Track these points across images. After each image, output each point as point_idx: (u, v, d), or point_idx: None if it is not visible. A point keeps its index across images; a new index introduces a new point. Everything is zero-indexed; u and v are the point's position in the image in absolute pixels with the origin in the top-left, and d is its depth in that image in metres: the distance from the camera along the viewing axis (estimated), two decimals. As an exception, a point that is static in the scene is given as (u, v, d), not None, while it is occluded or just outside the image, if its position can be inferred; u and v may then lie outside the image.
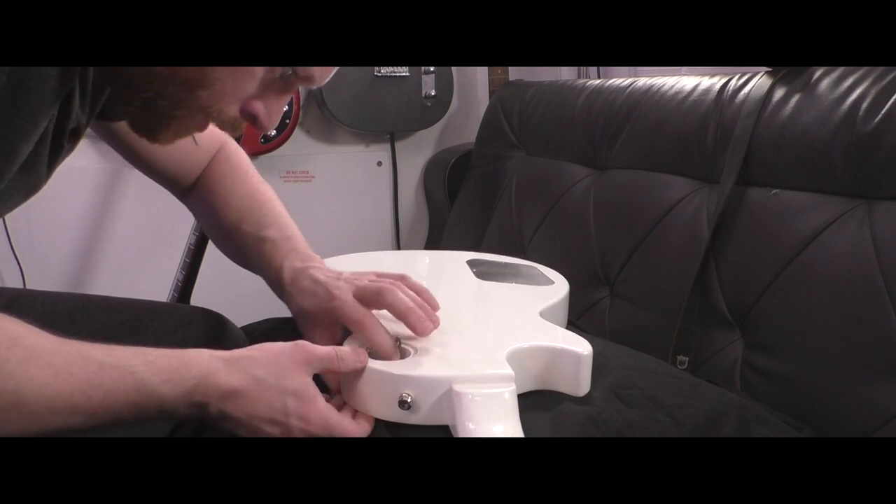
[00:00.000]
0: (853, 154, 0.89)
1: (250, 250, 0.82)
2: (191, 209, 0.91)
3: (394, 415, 0.62)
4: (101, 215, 1.76)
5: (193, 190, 0.88)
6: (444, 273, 0.68)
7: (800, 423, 0.82)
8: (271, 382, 0.58)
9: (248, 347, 0.61)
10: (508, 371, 0.63)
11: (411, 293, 0.70)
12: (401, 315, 0.68)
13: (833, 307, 0.87)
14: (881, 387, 0.81)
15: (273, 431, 0.59)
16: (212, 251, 1.52)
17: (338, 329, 0.72)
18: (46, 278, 1.69)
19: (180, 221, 1.64)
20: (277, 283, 0.78)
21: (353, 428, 0.61)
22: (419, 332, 0.67)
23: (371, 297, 0.70)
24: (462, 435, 0.58)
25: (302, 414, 0.59)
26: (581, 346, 0.69)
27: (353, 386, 0.64)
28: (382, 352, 0.67)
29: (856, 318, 0.84)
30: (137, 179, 1.78)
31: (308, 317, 0.73)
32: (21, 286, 1.63)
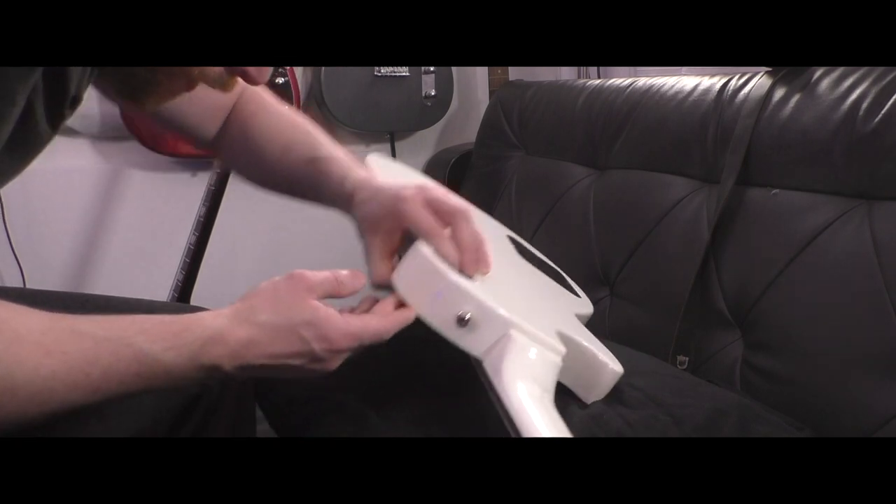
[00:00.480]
0: (853, 154, 0.89)
1: (303, 174, 0.79)
2: (221, 157, 0.90)
3: (443, 324, 0.61)
4: (101, 215, 1.76)
5: (222, 138, 0.86)
6: (488, 236, 0.67)
7: (800, 422, 0.82)
8: (279, 322, 0.57)
9: (242, 296, 0.59)
10: (561, 347, 0.63)
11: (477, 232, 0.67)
12: (465, 243, 0.65)
13: (833, 307, 0.87)
14: (881, 387, 0.81)
15: (300, 363, 0.57)
16: (212, 251, 1.52)
17: (398, 237, 0.69)
18: (46, 278, 1.69)
19: (180, 221, 1.64)
20: (340, 194, 0.74)
21: (383, 324, 0.60)
22: (470, 270, 0.64)
23: (444, 211, 0.66)
24: (493, 377, 0.58)
25: (321, 335, 0.57)
26: (618, 365, 0.70)
27: (419, 282, 0.62)
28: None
29: (856, 318, 0.84)
30: (137, 179, 1.79)
31: (372, 221, 0.69)
32: (21, 286, 1.63)
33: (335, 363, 0.59)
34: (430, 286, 0.62)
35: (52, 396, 0.50)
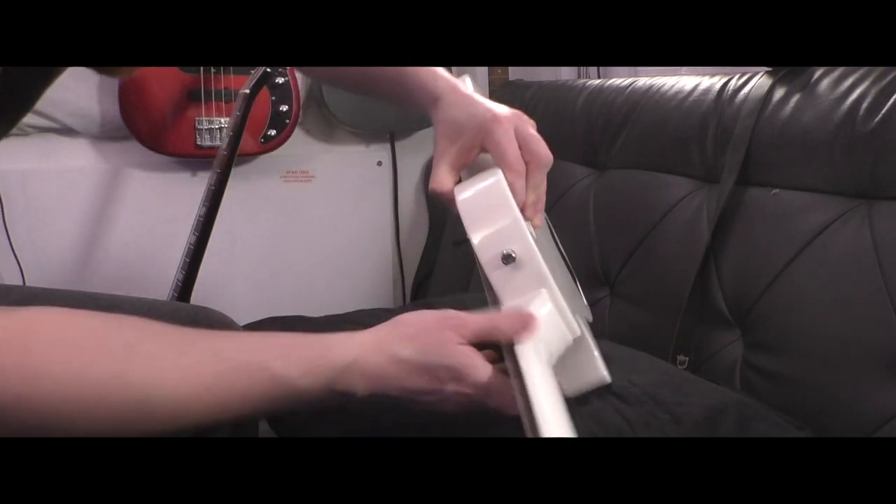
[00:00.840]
0: (853, 153, 0.89)
1: (386, 77, 0.74)
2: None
3: (487, 254, 0.60)
4: (100, 215, 1.76)
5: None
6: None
7: (800, 422, 0.82)
8: (419, 360, 0.54)
9: (390, 322, 0.57)
10: (577, 329, 0.63)
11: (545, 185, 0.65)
12: (536, 190, 0.64)
13: (833, 307, 0.87)
14: (881, 387, 0.81)
15: (432, 399, 0.55)
16: (211, 251, 1.52)
17: (475, 153, 0.67)
18: (46, 277, 1.69)
19: (180, 221, 1.64)
20: (428, 91, 0.70)
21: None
22: (530, 216, 0.64)
23: (529, 150, 0.64)
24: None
25: (458, 379, 0.54)
26: (608, 375, 0.69)
27: (483, 206, 0.61)
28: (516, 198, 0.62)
29: (856, 318, 0.84)
30: (137, 179, 1.79)
31: (454, 129, 0.66)
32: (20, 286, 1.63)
33: (463, 408, 0.57)
34: (492, 214, 0.61)
35: (188, 416, 0.50)
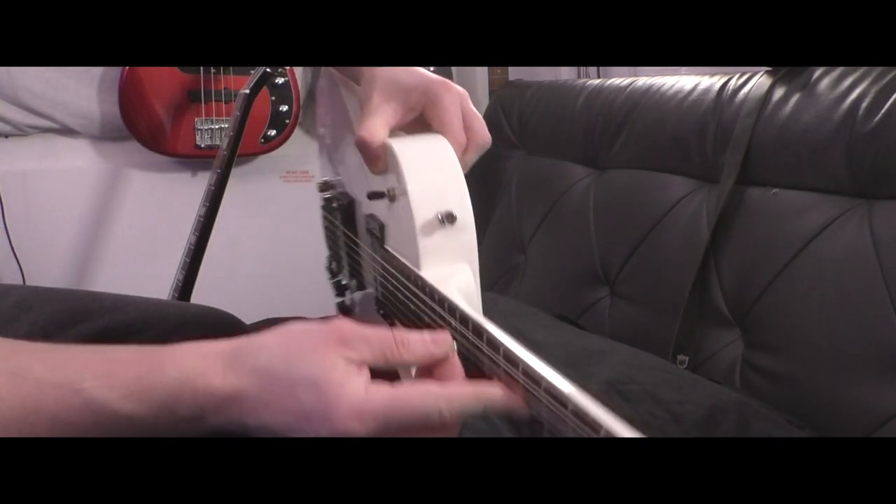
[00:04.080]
0: (853, 153, 0.89)
1: None
2: None
3: (427, 211, 0.55)
4: (100, 215, 1.76)
5: None
6: None
7: (800, 421, 0.82)
8: (278, 372, 0.43)
9: (265, 331, 0.46)
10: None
11: None
12: (467, 167, 0.60)
13: (833, 306, 0.87)
14: (881, 386, 0.81)
15: (310, 433, 0.44)
16: (211, 251, 1.52)
17: (412, 116, 0.62)
18: (46, 278, 1.69)
19: (180, 221, 1.64)
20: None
21: (438, 395, 0.44)
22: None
23: (469, 128, 0.60)
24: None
25: (322, 410, 0.42)
26: None
27: (429, 164, 0.58)
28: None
29: (856, 318, 0.84)
30: (137, 179, 1.79)
31: (396, 87, 0.61)
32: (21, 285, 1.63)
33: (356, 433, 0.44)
34: (437, 171, 0.57)
35: None
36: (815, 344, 0.88)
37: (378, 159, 0.59)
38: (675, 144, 1.14)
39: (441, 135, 0.60)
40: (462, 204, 0.56)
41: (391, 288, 0.60)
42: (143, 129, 1.63)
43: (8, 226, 1.62)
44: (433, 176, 0.57)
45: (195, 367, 0.44)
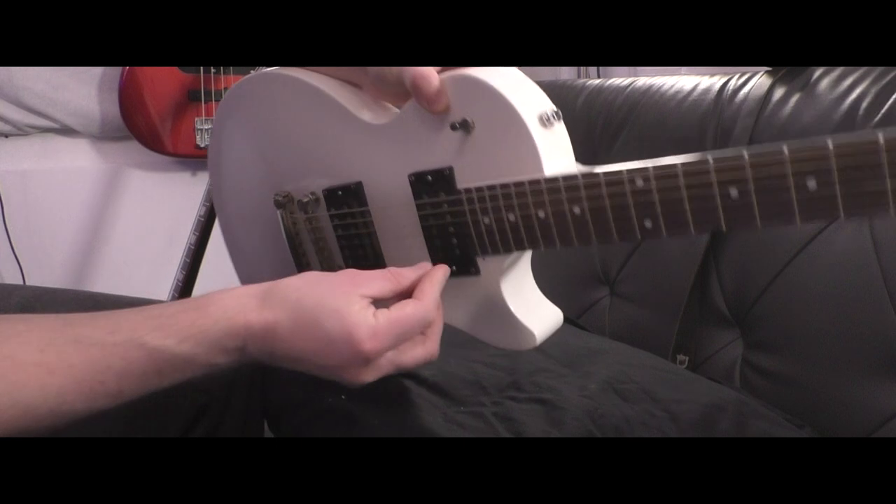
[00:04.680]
0: (853, 154, 0.89)
1: None
2: None
3: (530, 118, 0.58)
4: (101, 215, 1.76)
5: None
6: None
7: (800, 420, 0.82)
8: (306, 305, 0.52)
9: (290, 277, 0.55)
10: None
11: None
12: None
13: (833, 306, 0.87)
14: (881, 386, 0.81)
15: (326, 364, 0.52)
16: (211, 251, 1.52)
17: (386, 96, 0.65)
18: (46, 278, 1.69)
19: (180, 221, 1.64)
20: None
21: (419, 305, 0.54)
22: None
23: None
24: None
25: (345, 334, 0.51)
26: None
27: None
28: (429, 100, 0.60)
29: (856, 318, 0.84)
30: (137, 179, 1.79)
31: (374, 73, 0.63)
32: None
33: (368, 373, 0.53)
34: (516, 80, 0.61)
35: (72, 408, 0.49)
36: (815, 344, 0.88)
37: (440, 94, 0.59)
38: (674, 144, 1.14)
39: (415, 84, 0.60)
40: (549, 102, 0.60)
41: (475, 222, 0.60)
42: (143, 129, 1.63)
43: (8, 225, 1.62)
44: (517, 84, 0.60)
45: (234, 307, 0.52)
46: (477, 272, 0.62)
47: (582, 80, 1.45)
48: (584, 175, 0.54)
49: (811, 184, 0.44)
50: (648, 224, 0.51)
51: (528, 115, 0.57)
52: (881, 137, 0.41)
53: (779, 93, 1.00)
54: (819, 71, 0.98)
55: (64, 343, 0.49)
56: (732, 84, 1.09)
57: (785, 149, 0.45)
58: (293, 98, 0.69)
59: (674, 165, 0.50)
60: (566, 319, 1.09)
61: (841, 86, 0.93)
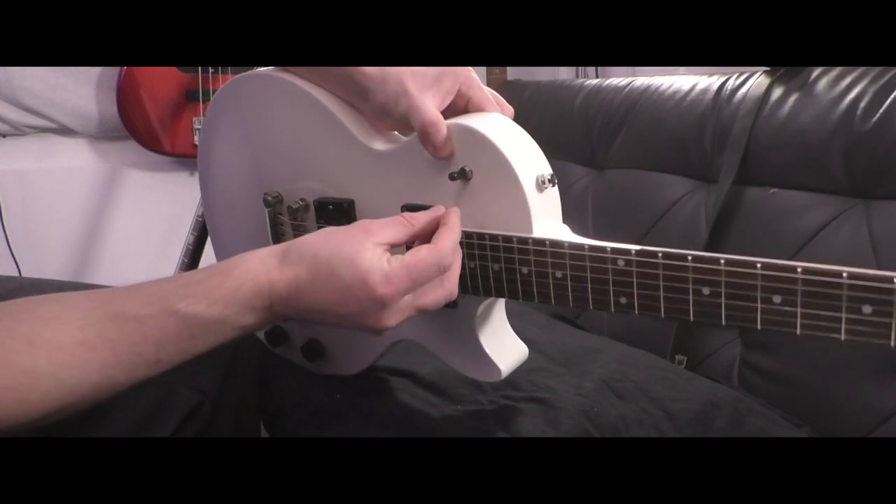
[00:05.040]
0: (851, 153, 0.89)
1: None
2: None
3: (528, 182, 0.60)
4: (99, 215, 1.76)
5: None
6: None
7: (798, 420, 0.82)
8: (322, 257, 0.54)
9: (306, 234, 0.58)
10: None
11: None
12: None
13: (831, 306, 0.87)
14: (879, 386, 0.82)
15: (346, 312, 0.54)
16: (210, 251, 1.52)
17: (450, 98, 0.65)
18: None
19: (179, 221, 1.64)
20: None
21: (434, 248, 0.56)
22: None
23: (497, 99, 0.67)
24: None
25: (361, 280, 0.53)
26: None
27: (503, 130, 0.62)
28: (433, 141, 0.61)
29: (854, 318, 0.85)
30: (136, 179, 1.79)
31: (427, 76, 0.64)
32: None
33: (388, 317, 0.55)
34: (518, 143, 0.62)
35: (115, 381, 0.50)
36: (813, 343, 0.88)
37: (447, 142, 0.61)
38: (673, 144, 1.14)
39: (483, 111, 0.65)
40: (548, 166, 0.62)
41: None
42: (141, 129, 1.63)
43: (6, 225, 1.61)
44: (520, 144, 0.61)
45: (257, 268, 0.54)
46: (454, 305, 0.63)
47: (580, 80, 1.45)
48: (571, 245, 0.57)
49: (776, 299, 0.50)
50: (623, 301, 0.55)
51: (525, 177, 0.60)
52: (844, 273, 0.46)
53: (777, 92, 1.00)
54: (817, 71, 0.98)
55: (101, 319, 0.51)
56: (731, 84, 1.09)
57: (759, 264, 0.50)
58: (292, 102, 0.70)
59: (655, 253, 0.53)
60: (566, 320, 1.09)
61: (839, 85, 0.93)
